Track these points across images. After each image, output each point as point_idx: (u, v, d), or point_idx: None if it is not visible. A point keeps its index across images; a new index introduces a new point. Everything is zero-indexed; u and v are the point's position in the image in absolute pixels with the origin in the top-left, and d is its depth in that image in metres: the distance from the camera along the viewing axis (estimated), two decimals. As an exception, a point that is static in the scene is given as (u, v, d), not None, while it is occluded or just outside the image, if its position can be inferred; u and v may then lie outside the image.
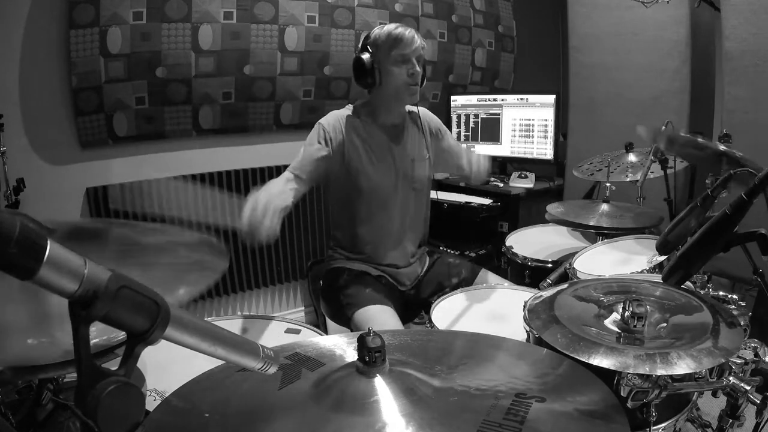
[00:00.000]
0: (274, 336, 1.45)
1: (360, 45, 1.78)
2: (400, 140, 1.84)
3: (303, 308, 3.18)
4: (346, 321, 1.72)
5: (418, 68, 1.73)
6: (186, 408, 0.80)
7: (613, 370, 0.88)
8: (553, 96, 3.08)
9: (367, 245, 1.82)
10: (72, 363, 0.69)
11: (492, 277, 1.89)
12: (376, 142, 1.79)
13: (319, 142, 1.72)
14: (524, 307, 1.14)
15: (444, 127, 2.00)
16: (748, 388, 0.97)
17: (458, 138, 3.41)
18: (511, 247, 2.12)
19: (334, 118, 1.77)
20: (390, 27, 1.72)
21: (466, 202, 2.95)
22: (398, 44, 1.70)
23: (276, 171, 2.87)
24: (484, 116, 3.33)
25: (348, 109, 1.82)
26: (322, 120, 1.76)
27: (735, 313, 1.08)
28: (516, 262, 2.07)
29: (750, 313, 1.21)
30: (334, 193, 1.84)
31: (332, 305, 1.82)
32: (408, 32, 1.71)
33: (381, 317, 1.62)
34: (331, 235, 1.93)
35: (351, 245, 1.84)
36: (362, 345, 0.78)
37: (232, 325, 1.52)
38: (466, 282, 1.85)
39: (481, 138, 3.36)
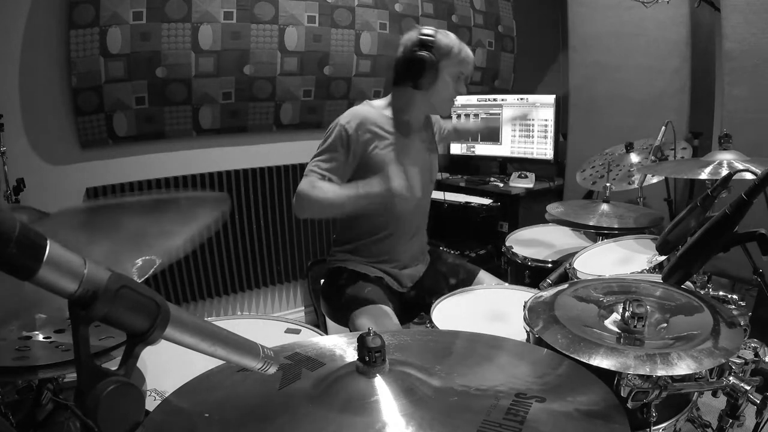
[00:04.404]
0: (274, 336, 1.45)
1: (418, 41, 1.66)
2: (421, 138, 1.86)
3: (303, 308, 3.18)
4: (345, 321, 1.72)
5: (464, 89, 1.77)
6: (186, 408, 0.80)
7: (613, 370, 0.88)
8: (553, 96, 3.08)
9: (384, 244, 1.79)
10: (72, 363, 0.69)
11: (490, 278, 1.88)
12: (401, 141, 1.76)
13: (343, 146, 1.63)
14: (524, 307, 1.14)
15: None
16: (748, 388, 0.97)
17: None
18: (511, 247, 2.12)
19: (356, 117, 1.67)
20: (456, 41, 1.70)
21: (467, 202, 2.95)
22: (465, 64, 1.72)
23: (276, 171, 2.86)
24: (484, 116, 3.33)
25: (368, 106, 1.76)
26: (342, 120, 1.66)
27: (735, 313, 1.08)
28: (516, 262, 2.06)
29: (750, 313, 1.21)
30: None
31: (332, 305, 1.82)
32: (472, 55, 1.75)
33: (380, 317, 1.62)
34: (336, 235, 1.92)
35: (361, 246, 1.80)
36: (362, 345, 0.78)
37: (232, 325, 1.52)
38: (464, 283, 1.84)
39: (481, 138, 3.36)
